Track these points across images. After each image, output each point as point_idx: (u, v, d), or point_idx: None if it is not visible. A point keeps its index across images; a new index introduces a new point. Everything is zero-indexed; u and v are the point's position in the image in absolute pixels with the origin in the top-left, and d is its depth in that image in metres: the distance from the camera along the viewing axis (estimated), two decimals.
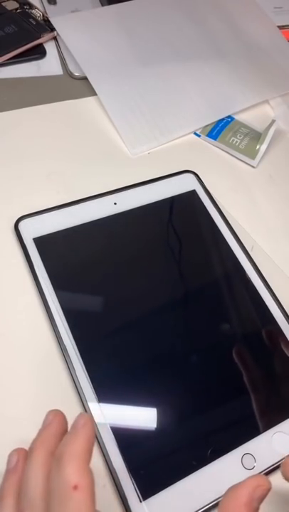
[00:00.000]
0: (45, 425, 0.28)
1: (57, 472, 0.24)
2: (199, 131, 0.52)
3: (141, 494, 0.31)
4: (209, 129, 0.52)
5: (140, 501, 0.30)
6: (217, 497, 0.31)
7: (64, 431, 0.28)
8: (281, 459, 0.33)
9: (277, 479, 0.33)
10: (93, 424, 0.26)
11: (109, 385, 0.34)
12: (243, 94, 0.55)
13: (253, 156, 0.50)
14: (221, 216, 0.44)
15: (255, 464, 0.33)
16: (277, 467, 0.33)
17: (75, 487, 0.23)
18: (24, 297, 0.38)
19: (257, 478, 0.25)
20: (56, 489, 0.23)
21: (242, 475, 0.32)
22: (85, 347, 0.35)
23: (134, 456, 0.32)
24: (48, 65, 0.55)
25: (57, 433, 0.27)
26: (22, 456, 0.28)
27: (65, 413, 0.34)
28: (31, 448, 0.27)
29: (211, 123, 0.52)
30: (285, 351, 0.38)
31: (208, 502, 0.31)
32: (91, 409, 0.33)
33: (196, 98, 0.53)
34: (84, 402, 0.33)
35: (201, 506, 0.31)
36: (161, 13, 0.60)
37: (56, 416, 0.28)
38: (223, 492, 0.31)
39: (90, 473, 0.24)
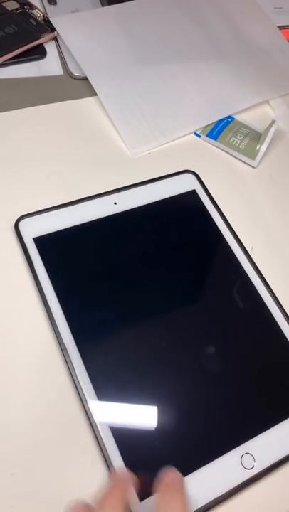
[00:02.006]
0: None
1: None
2: (199, 131, 0.52)
3: (140, 494, 0.31)
4: (209, 129, 0.52)
5: (139, 501, 0.31)
6: (217, 496, 0.31)
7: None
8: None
9: (277, 478, 0.33)
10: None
11: (109, 385, 0.34)
12: (243, 95, 0.55)
13: (253, 157, 0.50)
14: (220, 216, 0.44)
15: (254, 464, 0.33)
16: (277, 466, 0.33)
17: None
18: (24, 297, 0.38)
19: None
20: None
21: (241, 475, 0.32)
22: (85, 346, 0.35)
23: (133, 456, 0.32)
24: (48, 65, 0.55)
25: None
26: None
27: (65, 412, 0.34)
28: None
29: (211, 123, 0.52)
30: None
31: (208, 501, 0.31)
32: (91, 408, 0.33)
33: (196, 98, 0.54)
34: (84, 402, 0.33)
35: (201, 506, 0.31)
36: (162, 14, 0.60)
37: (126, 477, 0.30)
38: (223, 491, 0.31)
39: None
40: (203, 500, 0.31)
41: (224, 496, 0.31)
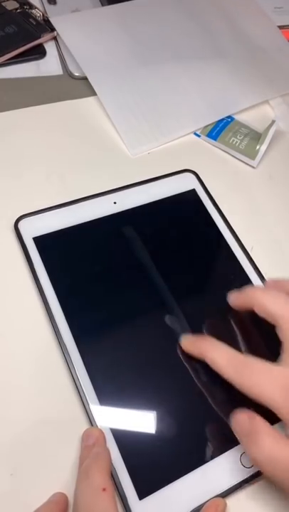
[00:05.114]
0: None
1: (87, 481, 0.29)
2: (199, 131, 0.52)
3: (140, 493, 0.31)
4: (209, 129, 0.52)
5: (139, 500, 0.31)
6: (216, 495, 0.31)
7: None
8: None
9: None
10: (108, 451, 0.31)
11: (110, 386, 0.34)
12: (243, 95, 0.55)
13: (253, 157, 0.50)
14: (220, 216, 0.44)
15: None
16: None
17: (104, 489, 0.28)
18: (24, 297, 0.38)
19: (216, 500, 0.31)
20: (87, 492, 0.28)
21: (241, 473, 0.32)
22: (85, 346, 0.35)
23: (133, 456, 0.32)
24: (48, 65, 0.55)
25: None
26: None
27: (66, 414, 0.34)
28: None
29: (211, 123, 0.52)
30: None
31: (207, 500, 0.31)
32: (92, 410, 0.33)
33: (196, 98, 0.54)
34: (85, 403, 0.33)
35: (200, 504, 0.31)
36: (162, 13, 0.60)
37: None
38: (222, 490, 0.31)
39: (112, 482, 0.30)
40: (202, 499, 0.31)
41: (223, 495, 0.31)
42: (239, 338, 0.38)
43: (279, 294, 0.33)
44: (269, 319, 0.33)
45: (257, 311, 0.34)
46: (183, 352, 0.36)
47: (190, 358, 0.36)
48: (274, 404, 0.29)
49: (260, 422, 0.29)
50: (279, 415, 0.29)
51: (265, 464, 0.28)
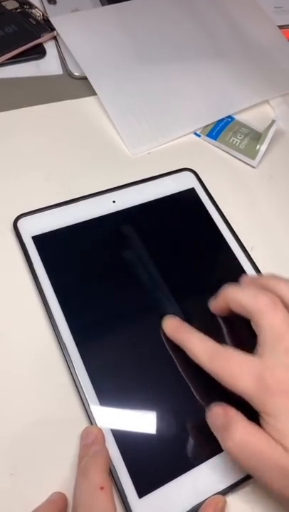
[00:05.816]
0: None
1: (85, 479, 0.29)
2: (199, 131, 0.52)
3: (140, 491, 0.31)
4: (209, 129, 0.52)
5: (139, 498, 0.31)
6: (216, 493, 0.31)
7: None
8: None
9: None
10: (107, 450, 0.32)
11: (110, 386, 0.34)
12: (243, 94, 0.55)
13: (253, 156, 0.50)
14: (220, 215, 0.44)
15: None
16: None
17: (102, 488, 0.28)
18: (23, 296, 0.38)
19: (215, 497, 0.31)
20: (85, 491, 0.29)
21: (241, 471, 0.32)
22: (85, 346, 0.35)
23: (133, 454, 0.32)
24: (48, 65, 0.55)
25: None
26: None
27: (66, 413, 0.34)
28: None
29: (211, 123, 0.52)
30: None
31: (207, 497, 0.31)
32: (92, 409, 0.33)
33: (196, 98, 0.54)
34: (85, 403, 0.33)
35: (199, 502, 0.31)
36: (162, 13, 0.60)
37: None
38: (223, 488, 0.31)
39: (110, 480, 0.30)
40: (202, 497, 0.31)
41: (223, 492, 0.31)
42: (224, 332, 0.38)
43: (251, 288, 0.34)
44: (244, 314, 0.33)
45: (233, 308, 0.34)
46: (166, 336, 0.36)
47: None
48: (247, 393, 0.30)
49: (233, 413, 0.30)
50: (252, 404, 0.30)
51: (237, 451, 0.28)
